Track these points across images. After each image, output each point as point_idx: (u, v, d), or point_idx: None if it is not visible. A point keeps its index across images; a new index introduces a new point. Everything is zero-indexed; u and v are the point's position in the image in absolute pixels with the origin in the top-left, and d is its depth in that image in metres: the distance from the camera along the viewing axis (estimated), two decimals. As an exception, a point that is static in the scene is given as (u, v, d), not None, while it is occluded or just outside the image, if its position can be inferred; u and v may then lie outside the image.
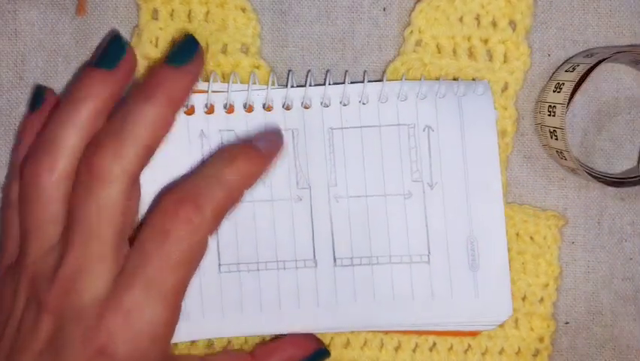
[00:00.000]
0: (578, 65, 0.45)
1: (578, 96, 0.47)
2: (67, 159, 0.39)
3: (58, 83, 0.46)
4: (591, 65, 0.44)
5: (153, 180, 0.44)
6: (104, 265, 0.38)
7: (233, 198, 0.39)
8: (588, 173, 0.45)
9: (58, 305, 0.38)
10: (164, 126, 0.39)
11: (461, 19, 0.46)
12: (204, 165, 0.40)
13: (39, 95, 0.44)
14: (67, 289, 0.38)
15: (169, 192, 0.39)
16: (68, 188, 0.39)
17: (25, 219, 0.40)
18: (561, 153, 0.45)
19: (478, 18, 0.46)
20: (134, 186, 0.40)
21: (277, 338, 0.45)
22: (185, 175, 0.42)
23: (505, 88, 0.46)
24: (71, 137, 0.39)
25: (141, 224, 0.40)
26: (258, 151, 0.40)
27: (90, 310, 0.37)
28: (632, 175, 0.46)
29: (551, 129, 0.45)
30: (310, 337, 0.45)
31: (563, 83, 0.45)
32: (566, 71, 0.46)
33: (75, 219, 0.38)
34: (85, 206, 0.38)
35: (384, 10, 0.47)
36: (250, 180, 0.40)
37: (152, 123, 0.39)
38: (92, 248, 0.38)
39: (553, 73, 0.47)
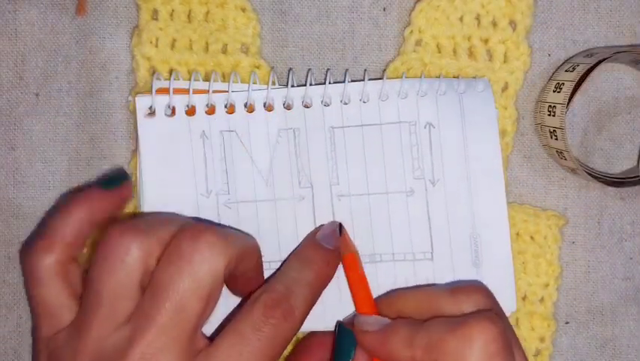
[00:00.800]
0: (578, 65, 0.45)
1: (578, 96, 0.47)
2: (158, 243, 0.38)
3: (58, 83, 0.46)
4: (591, 65, 0.44)
5: (155, 182, 0.44)
6: (187, 342, 0.37)
7: (315, 298, 0.41)
8: (588, 173, 0.45)
9: None
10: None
11: (461, 19, 0.46)
12: (286, 267, 0.41)
13: (118, 178, 0.42)
14: None
15: (265, 293, 0.39)
16: (147, 267, 0.38)
17: (96, 291, 0.38)
18: (561, 153, 0.45)
19: (478, 18, 0.46)
20: (247, 255, 0.40)
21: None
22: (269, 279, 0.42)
23: (505, 88, 0.46)
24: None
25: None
26: (330, 252, 0.42)
27: None
28: (632, 175, 0.46)
29: (551, 129, 0.45)
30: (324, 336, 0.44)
31: (563, 83, 0.45)
32: (565, 71, 0.46)
33: (162, 293, 0.37)
34: (178, 280, 0.37)
35: (384, 10, 0.47)
36: (328, 280, 0.42)
37: None
38: (180, 325, 0.37)
39: (554, 73, 0.47)
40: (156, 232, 0.38)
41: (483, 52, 0.46)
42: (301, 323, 0.39)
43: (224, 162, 0.44)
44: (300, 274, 0.40)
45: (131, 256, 0.37)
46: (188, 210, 0.44)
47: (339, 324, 0.42)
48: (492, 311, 0.39)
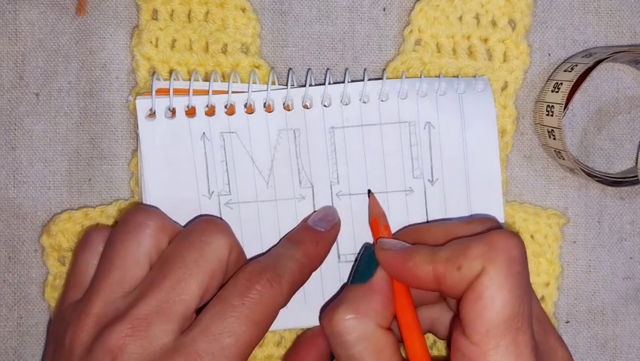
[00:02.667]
0: (577, 65, 0.45)
1: (577, 96, 0.47)
2: (172, 225, 0.41)
3: (58, 83, 0.46)
4: (589, 65, 0.44)
5: (157, 183, 0.44)
6: (182, 312, 0.38)
7: (303, 275, 0.41)
8: (586, 173, 0.45)
9: (123, 345, 0.37)
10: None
11: (461, 19, 0.46)
12: (275, 247, 0.43)
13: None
14: (138, 330, 0.37)
15: (251, 263, 0.40)
16: (159, 245, 0.40)
17: (109, 258, 0.40)
18: (559, 152, 0.45)
19: (477, 17, 0.46)
20: (240, 254, 0.42)
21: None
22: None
23: (504, 87, 0.46)
24: None
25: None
26: (321, 233, 0.43)
27: (157, 358, 0.37)
28: (631, 175, 0.46)
29: (549, 129, 0.45)
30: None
31: (561, 83, 0.45)
32: (564, 70, 0.46)
33: (169, 263, 0.39)
34: (186, 254, 0.39)
35: (384, 10, 0.47)
36: (317, 261, 0.43)
37: None
38: (179, 294, 0.38)
39: (552, 73, 0.47)
40: (170, 217, 0.42)
41: (482, 51, 0.46)
42: (289, 293, 0.40)
43: (225, 163, 0.45)
44: (288, 251, 0.41)
45: (144, 232, 0.40)
46: (190, 211, 0.44)
47: (364, 246, 0.43)
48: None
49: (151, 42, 0.46)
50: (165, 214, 0.42)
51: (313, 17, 0.47)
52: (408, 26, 0.46)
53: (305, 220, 0.44)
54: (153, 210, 0.41)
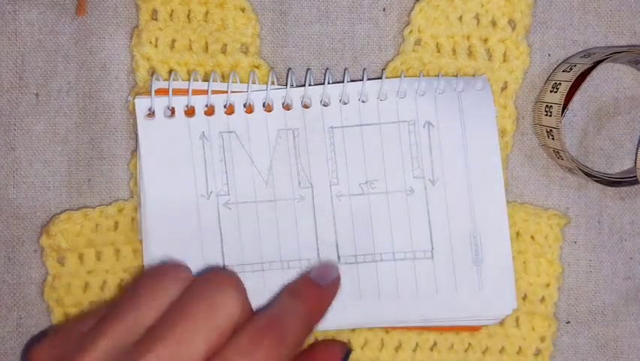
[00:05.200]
0: (575, 66, 0.45)
1: (577, 96, 0.47)
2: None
3: (58, 83, 0.46)
4: (588, 65, 0.44)
5: (155, 183, 0.44)
6: None
7: (307, 331, 0.40)
8: (585, 173, 0.45)
9: None
10: None
11: (460, 19, 0.46)
12: (277, 300, 0.41)
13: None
14: None
15: (255, 320, 0.38)
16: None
17: (136, 294, 0.38)
18: (558, 152, 0.45)
19: (477, 17, 0.46)
20: (249, 310, 0.40)
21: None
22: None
23: (504, 87, 0.46)
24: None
25: None
26: (322, 289, 0.42)
27: None
28: (631, 175, 0.46)
29: (548, 129, 0.45)
30: (334, 344, 0.44)
31: (560, 83, 0.45)
32: (563, 71, 0.46)
33: (178, 317, 0.37)
34: (196, 310, 0.37)
35: (383, 10, 0.47)
36: (320, 315, 0.42)
37: None
38: (184, 350, 0.36)
39: (551, 73, 0.47)
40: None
41: (482, 51, 0.46)
42: (293, 351, 0.38)
43: (223, 163, 0.44)
44: (291, 305, 0.40)
45: (175, 286, 0.39)
46: (188, 211, 0.44)
47: None
48: None
49: (150, 42, 0.46)
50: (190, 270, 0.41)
51: (313, 17, 0.47)
52: (408, 26, 0.46)
53: (305, 274, 0.44)
54: (184, 266, 0.41)
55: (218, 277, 0.39)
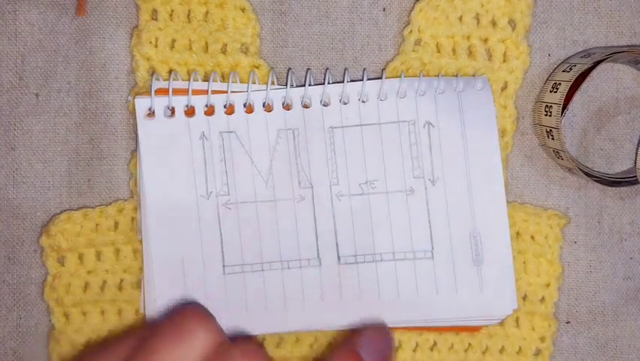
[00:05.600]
0: (575, 66, 0.45)
1: (577, 96, 0.47)
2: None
3: (58, 83, 0.46)
4: (588, 65, 0.44)
5: (155, 183, 0.44)
6: None
7: None
8: (585, 173, 0.45)
9: None
10: None
11: (460, 19, 0.46)
12: None
13: None
14: None
15: None
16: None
17: (152, 351, 0.36)
18: (558, 152, 0.45)
19: (477, 17, 0.46)
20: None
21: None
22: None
23: (504, 87, 0.46)
24: None
25: None
26: None
27: None
28: (631, 175, 0.46)
29: (548, 129, 0.45)
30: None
31: (560, 84, 0.45)
32: (563, 71, 0.46)
33: None
34: None
35: (383, 10, 0.47)
36: None
37: None
38: None
39: (551, 73, 0.47)
40: (220, 329, 0.37)
41: (482, 51, 0.46)
42: None
43: (223, 163, 0.44)
44: None
45: (194, 344, 0.36)
46: (188, 211, 0.44)
47: None
48: None
49: (150, 42, 0.46)
50: (216, 321, 0.37)
51: (313, 17, 0.47)
52: (408, 26, 0.46)
53: (351, 340, 0.40)
54: (209, 318, 0.37)
55: (243, 353, 0.36)
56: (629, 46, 0.47)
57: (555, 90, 0.45)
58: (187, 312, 0.37)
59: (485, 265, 0.44)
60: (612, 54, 0.45)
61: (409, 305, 0.45)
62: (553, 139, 0.45)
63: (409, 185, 0.45)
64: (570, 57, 0.47)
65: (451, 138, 0.44)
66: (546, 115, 0.45)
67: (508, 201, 0.46)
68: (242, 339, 0.38)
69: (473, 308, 0.45)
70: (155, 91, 0.44)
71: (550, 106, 0.45)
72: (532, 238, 0.46)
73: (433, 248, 0.45)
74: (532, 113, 0.47)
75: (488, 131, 0.45)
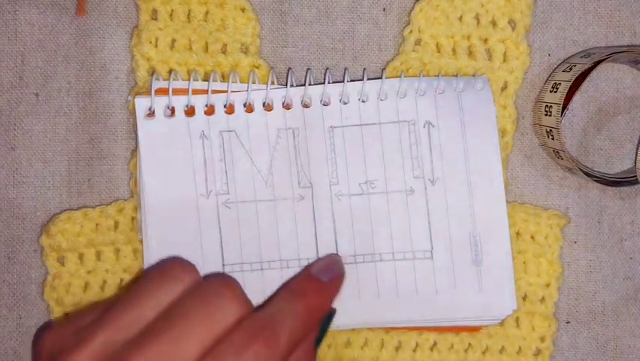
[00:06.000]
0: (575, 66, 0.45)
1: (577, 96, 0.47)
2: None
3: (58, 83, 0.46)
4: (588, 65, 0.44)
5: (155, 183, 0.44)
6: None
7: (305, 329, 0.40)
8: (585, 173, 0.45)
9: None
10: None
11: (461, 19, 0.46)
12: (275, 298, 0.41)
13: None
14: None
15: (250, 319, 0.38)
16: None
17: (134, 297, 0.38)
18: (558, 152, 0.45)
19: (477, 17, 0.46)
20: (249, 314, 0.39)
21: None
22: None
23: (504, 87, 0.46)
24: None
25: None
26: (324, 285, 0.42)
27: None
28: (631, 175, 0.46)
29: (548, 129, 0.45)
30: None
31: (560, 83, 0.45)
32: (563, 71, 0.46)
33: (176, 316, 0.37)
34: (195, 312, 0.38)
35: (383, 10, 0.47)
36: (320, 313, 0.41)
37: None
38: (176, 350, 0.36)
39: (551, 73, 0.47)
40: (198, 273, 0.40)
41: (482, 51, 0.46)
42: (288, 351, 0.38)
43: (223, 162, 0.44)
44: (288, 304, 0.40)
45: (177, 286, 0.39)
46: (188, 211, 0.44)
47: None
48: None
49: (150, 42, 0.46)
50: (197, 271, 0.40)
51: (313, 17, 0.47)
52: (408, 26, 0.46)
53: (307, 268, 0.43)
54: (190, 266, 0.40)
55: (220, 283, 0.39)
56: (629, 46, 0.47)
57: (555, 90, 0.45)
58: (170, 261, 0.40)
59: (485, 265, 0.44)
60: (612, 54, 0.45)
61: (408, 305, 0.45)
62: (553, 139, 0.45)
63: (408, 185, 0.45)
64: (570, 57, 0.47)
65: (451, 138, 0.44)
66: (546, 115, 0.45)
67: (508, 201, 0.46)
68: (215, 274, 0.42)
69: (473, 308, 0.45)
70: (155, 91, 0.44)
71: (551, 106, 0.45)
72: (532, 238, 0.46)
73: (432, 248, 0.45)
74: (532, 113, 0.47)
75: (488, 131, 0.44)
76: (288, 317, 0.39)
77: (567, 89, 0.45)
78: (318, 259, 0.44)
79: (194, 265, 0.40)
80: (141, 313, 0.38)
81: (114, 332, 0.37)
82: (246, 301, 0.39)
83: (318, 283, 0.42)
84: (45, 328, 0.41)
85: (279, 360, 0.38)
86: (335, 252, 0.45)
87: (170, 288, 0.39)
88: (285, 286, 0.43)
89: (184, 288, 0.39)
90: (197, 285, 0.39)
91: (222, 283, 0.39)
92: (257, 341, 0.37)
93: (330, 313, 0.43)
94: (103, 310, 0.39)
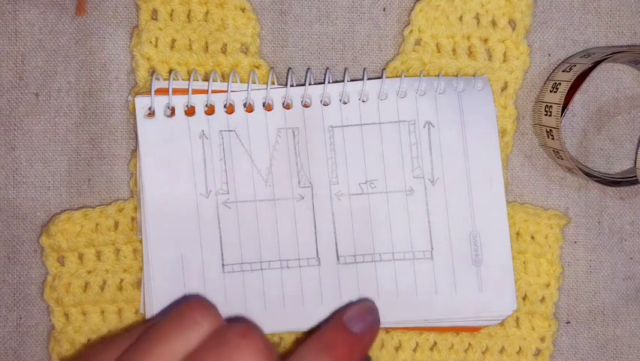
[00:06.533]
0: (575, 65, 0.45)
1: (577, 96, 0.47)
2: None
3: (58, 83, 0.46)
4: (588, 65, 0.44)
5: (155, 182, 0.44)
6: None
7: None
8: (585, 172, 0.45)
9: None
10: None
11: (461, 19, 0.46)
12: (303, 347, 0.39)
13: None
14: None
15: None
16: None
17: (152, 345, 0.37)
18: (558, 152, 0.45)
19: (477, 17, 0.46)
20: None
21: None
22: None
23: (504, 87, 0.46)
24: None
25: None
26: (355, 337, 0.40)
27: None
28: (631, 175, 0.46)
29: (548, 129, 0.45)
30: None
31: (560, 83, 0.45)
32: (563, 71, 0.46)
33: None
34: None
35: (383, 10, 0.47)
36: None
37: None
38: None
39: (551, 73, 0.47)
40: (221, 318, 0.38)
41: (482, 51, 0.46)
42: None
43: (223, 161, 0.44)
44: (315, 358, 0.38)
45: (197, 331, 0.37)
46: (188, 210, 0.44)
47: None
48: None
49: (150, 42, 0.46)
50: (218, 313, 0.39)
51: (313, 17, 0.47)
52: (408, 26, 0.46)
53: (340, 314, 0.41)
54: (210, 308, 0.39)
55: (240, 332, 0.37)
56: (629, 46, 0.47)
57: (555, 90, 0.45)
58: (191, 303, 0.38)
59: (485, 265, 0.44)
60: (612, 54, 0.45)
61: (408, 305, 0.45)
62: (553, 139, 0.45)
63: (408, 185, 0.45)
64: (570, 57, 0.47)
65: (451, 138, 0.44)
66: (546, 115, 0.45)
67: (508, 202, 0.46)
68: (239, 322, 0.40)
69: (472, 309, 0.45)
70: (155, 91, 0.44)
71: (551, 106, 0.45)
72: (532, 238, 0.46)
73: (432, 248, 0.45)
74: (532, 113, 0.47)
75: (488, 131, 0.44)
76: None
77: (567, 89, 0.45)
78: (351, 305, 0.43)
79: (215, 308, 0.39)
80: None
81: None
82: (268, 350, 0.37)
83: (350, 336, 0.40)
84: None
85: None
86: (335, 252, 0.45)
87: (187, 335, 0.37)
88: (316, 337, 0.40)
89: (202, 335, 0.37)
90: (216, 333, 0.37)
91: (242, 332, 0.37)
92: None
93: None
94: (122, 350, 0.37)
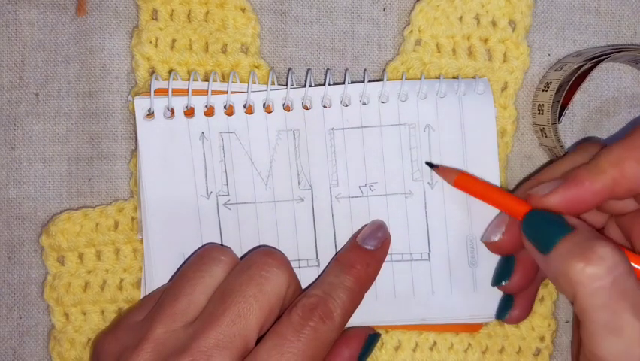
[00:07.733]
0: (566, 65, 0.45)
1: (577, 96, 0.47)
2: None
3: (58, 83, 0.46)
4: (577, 64, 0.44)
5: (155, 183, 0.44)
6: (242, 346, 0.39)
7: (355, 302, 0.42)
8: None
9: None
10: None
11: (461, 19, 0.46)
12: (326, 273, 0.43)
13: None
14: None
15: (304, 297, 0.40)
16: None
17: (178, 286, 0.41)
18: (552, 150, 0.45)
19: (477, 17, 0.46)
20: (297, 287, 0.42)
21: None
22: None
23: (504, 87, 0.46)
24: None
25: None
26: (370, 253, 0.43)
27: None
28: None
29: (541, 127, 0.45)
30: (357, 329, 0.45)
31: (551, 82, 0.45)
32: (555, 70, 0.46)
33: (229, 297, 0.39)
34: (245, 288, 0.40)
35: (384, 10, 0.47)
36: (368, 283, 0.43)
37: None
38: (239, 329, 0.39)
39: (545, 72, 0.47)
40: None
41: (482, 51, 0.46)
42: (341, 325, 0.41)
43: (223, 163, 0.44)
44: (339, 278, 0.42)
45: (218, 266, 0.41)
46: (188, 211, 0.44)
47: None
48: None
49: (151, 42, 0.46)
50: (233, 252, 0.43)
51: (313, 17, 0.47)
52: (408, 26, 0.46)
53: (354, 237, 0.44)
54: (226, 248, 0.43)
55: (265, 257, 0.41)
56: (623, 45, 0.47)
57: (546, 89, 0.45)
58: (207, 247, 0.43)
59: (480, 267, 0.45)
60: (611, 53, 0.44)
61: (405, 305, 0.45)
62: (546, 137, 0.45)
63: (407, 188, 0.45)
64: (564, 57, 0.47)
65: (450, 141, 0.44)
66: (539, 113, 0.45)
67: (507, 202, 0.46)
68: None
69: (468, 309, 0.45)
70: (155, 91, 0.44)
71: (542, 104, 0.45)
72: (532, 238, 0.46)
73: (430, 250, 0.45)
74: (530, 113, 0.47)
75: (487, 135, 0.44)
76: (339, 292, 0.41)
77: (557, 87, 0.45)
78: (363, 227, 0.45)
79: (229, 248, 0.43)
80: (192, 299, 0.40)
81: (171, 322, 0.39)
82: (289, 266, 0.41)
83: (365, 253, 0.43)
84: (98, 338, 0.42)
85: (335, 333, 0.40)
86: (334, 253, 0.45)
87: (212, 270, 0.41)
88: (336, 261, 0.43)
89: (226, 268, 0.41)
90: (241, 265, 0.41)
91: (267, 252, 0.41)
92: (313, 319, 0.39)
93: (376, 335, 0.44)
94: (152, 306, 0.41)
